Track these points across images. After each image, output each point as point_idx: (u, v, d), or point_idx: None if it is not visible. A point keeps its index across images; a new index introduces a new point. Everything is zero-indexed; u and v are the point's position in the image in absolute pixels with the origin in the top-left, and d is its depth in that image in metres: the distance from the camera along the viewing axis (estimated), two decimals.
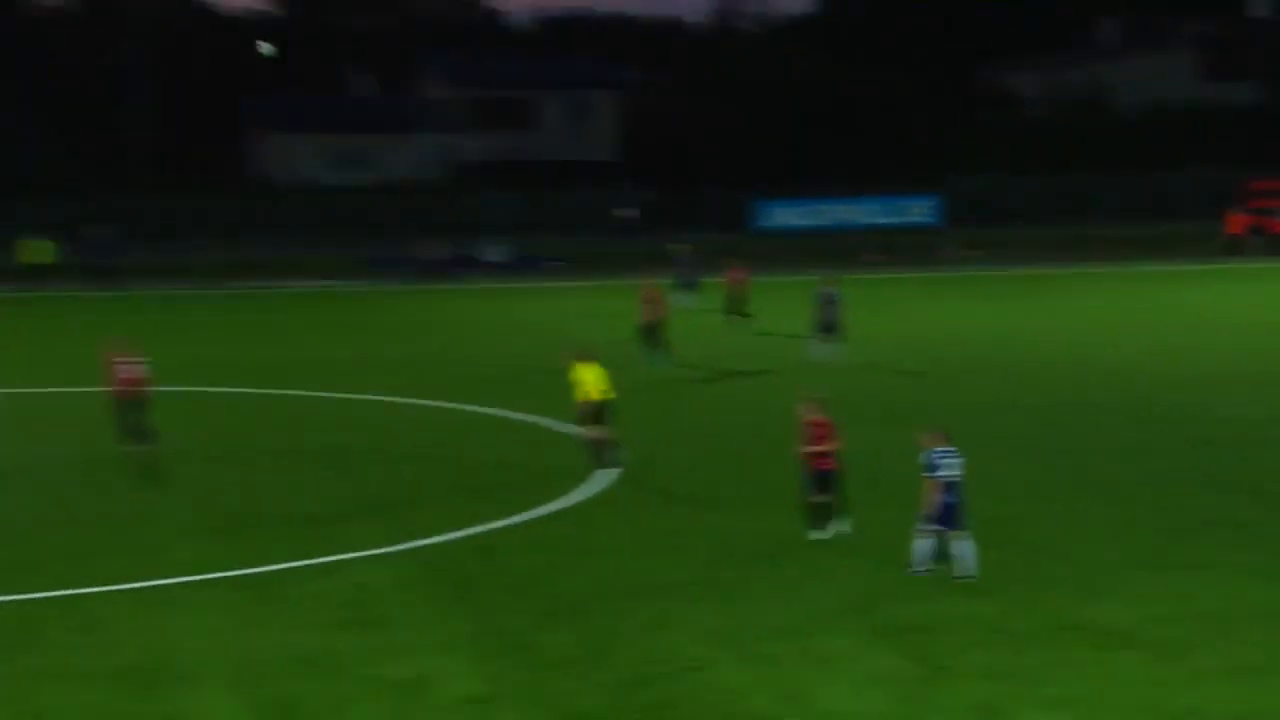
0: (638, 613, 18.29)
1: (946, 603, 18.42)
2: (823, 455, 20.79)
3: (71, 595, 18.88)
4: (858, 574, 19.67)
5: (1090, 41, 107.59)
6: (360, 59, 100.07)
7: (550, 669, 16.37)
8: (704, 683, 15.98)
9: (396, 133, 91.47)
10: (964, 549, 19.19)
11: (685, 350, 37.93)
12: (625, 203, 77.12)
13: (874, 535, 21.03)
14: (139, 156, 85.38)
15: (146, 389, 27.49)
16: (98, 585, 19.28)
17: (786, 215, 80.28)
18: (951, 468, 19.40)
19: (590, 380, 25.49)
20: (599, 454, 25.48)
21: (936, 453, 19.43)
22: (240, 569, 20.01)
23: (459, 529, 22.13)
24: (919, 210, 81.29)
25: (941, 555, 19.28)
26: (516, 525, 22.47)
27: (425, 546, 21.22)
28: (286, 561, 20.39)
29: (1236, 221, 65.39)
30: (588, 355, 25.88)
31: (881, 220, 79.43)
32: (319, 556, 20.62)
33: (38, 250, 57.47)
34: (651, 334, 37.61)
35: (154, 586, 19.30)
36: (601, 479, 25.30)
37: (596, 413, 25.44)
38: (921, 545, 19.43)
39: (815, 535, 20.90)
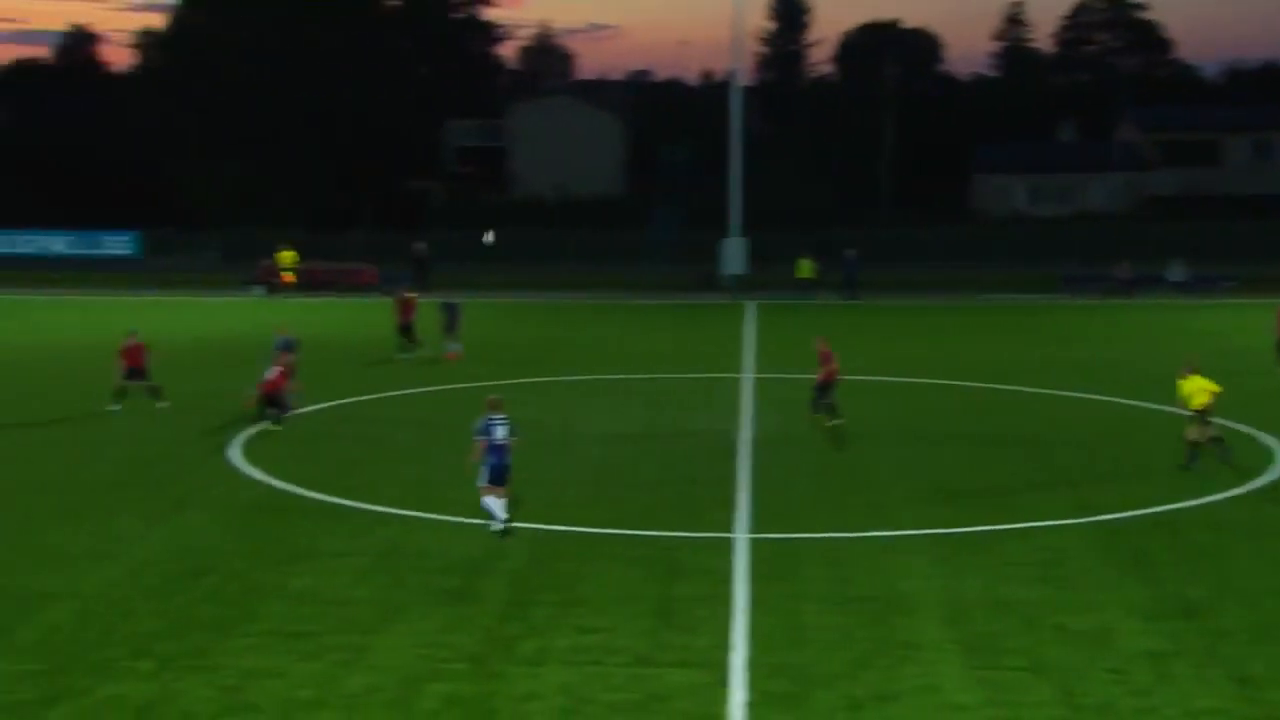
0: None
1: None
2: None
3: (822, 538, 19.75)
4: None
5: None
6: (1066, 109, 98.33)
7: (1224, 636, 15.48)
8: None
9: (1093, 171, 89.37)
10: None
11: None
12: None
13: None
14: (884, 195, 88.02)
15: (836, 374, 28.66)
16: (840, 531, 20.08)
17: None
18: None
19: (1193, 390, 23.97)
20: (1193, 455, 23.74)
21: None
22: (950, 528, 20.21)
23: (1139, 507, 21.27)
24: None
25: None
26: (1194, 507, 21.32)
27: (1108, 520, 20.57)
28: (987, 525, 20.38)
29: None
30: (1195, 368, 24.35)
31: None
32: (1014, 523, 20.47)
33: (805, 268, 60.17)
34: None
35: (883, 536, 19.83)
36: (1275, 472, 23.53)
37: (1200, 417, 23.76)
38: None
39: None
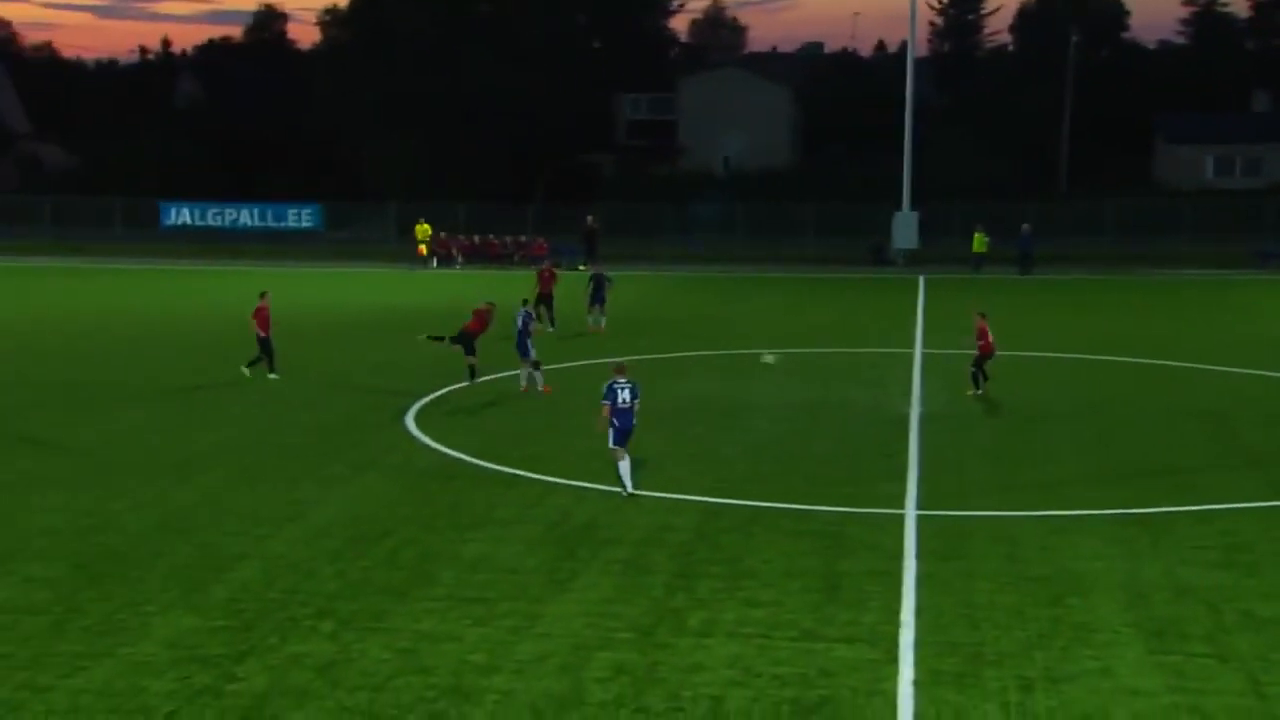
0: None
1: None
2: None
3: (994, 516, 19.41)
4: None
5: None
6: (1260, 78, 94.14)
7: None
8: None
9: None
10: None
11: None
12: None
13: None
14: (1063, 167, 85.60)
15: (991, 347, 28.73)
16: (1012, 510, 19.69)
17: None
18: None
19: None
20: None
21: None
22: (1127, 509, 19.65)
23: None
24: None
25: None
26: None
27: None
28: (1167, 506, 19.76)
29: None
30: None
31: None
32: (1196, 504, 19.80)
33: (979, 241, 59.02)
34: None
35: (1059, 516, 19.39)
36: None
37: None
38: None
39: None
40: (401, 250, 62.41)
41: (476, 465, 22.66)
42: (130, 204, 74.20)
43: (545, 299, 39.36)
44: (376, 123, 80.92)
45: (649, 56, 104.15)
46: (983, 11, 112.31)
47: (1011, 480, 21.58)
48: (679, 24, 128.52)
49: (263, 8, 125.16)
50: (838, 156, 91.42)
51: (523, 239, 63.86)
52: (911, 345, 35.98)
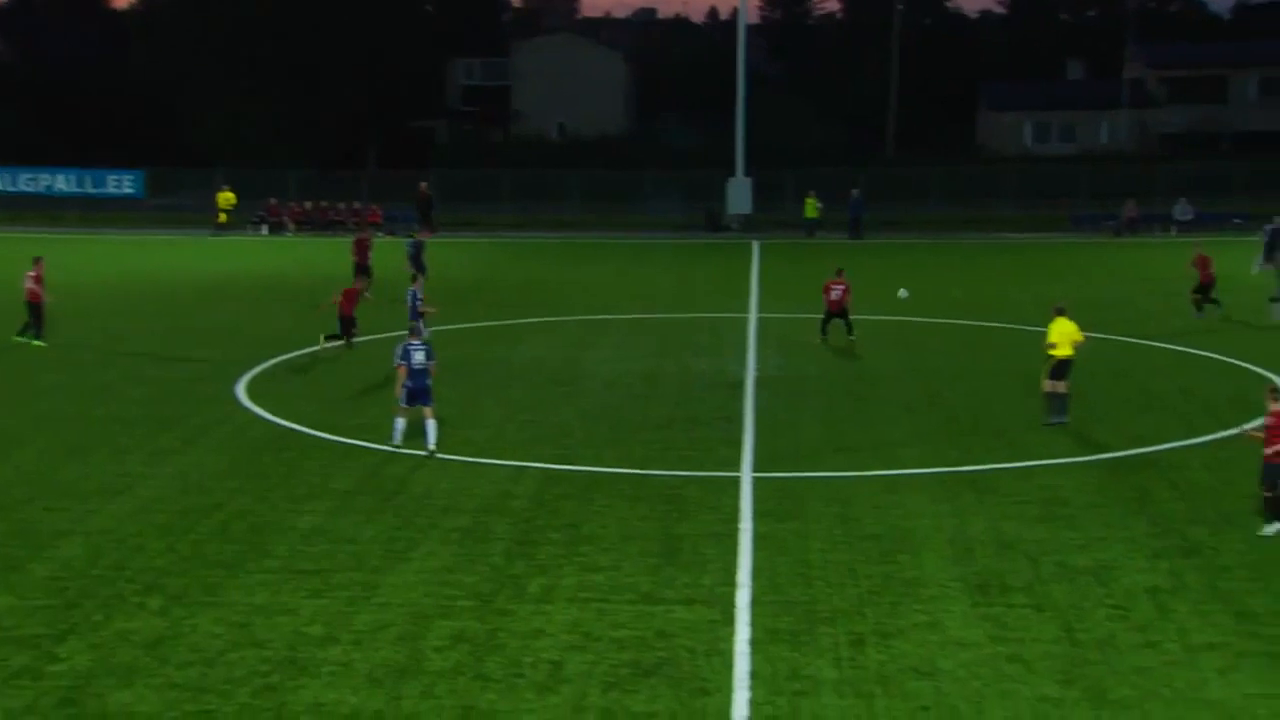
0: None
1: None
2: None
3: (827, 477, 19.81)
4: None
5: None
6: (1074, 47, 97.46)
7: (1223, 571, 15.58)
8: None
9: (1101, 109, 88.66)
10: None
11: None
12: None
13: None
14: (891, 134, 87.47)
15: (847, 301, 30.40)
16: (846, 470, 20.14)
17: None
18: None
19: (1060, 335, 22.66)
20: (1052, 407, 22.60)
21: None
22: (954, 467, 20.26)
23: (1141, 445, 21.32)
24: None
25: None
26: (1194, 446, 21.34)
27: (1110, 459, 20.62)
28: (991, 464, 20.44)
29: None
30: (1063, 310, 23.11)
31: None
32: (1018, 461, 20.53)
33: (811, 207, 59.95)
34: None
35: (890, 475, 19.89)
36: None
37: (1061, 367, 22.56)
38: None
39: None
40: (232, 217, 60.77)
41: (311, 435, 22.28)
42: None
43: (362, 268, 38.72)
44: (200, 86, 78.57)
45: (481, 21, 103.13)
46: None
47: (844, 441, 22.06)
48: None
49: None
50: (672, 123, 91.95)
51: (356, 206, 62.79)
52: (747, 310, 36.47)
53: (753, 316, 35.22)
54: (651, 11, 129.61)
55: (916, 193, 69.90)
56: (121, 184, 71.55)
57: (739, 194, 62.54)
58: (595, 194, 70.18)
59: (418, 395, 20.81)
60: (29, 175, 71.83)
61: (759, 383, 26.57)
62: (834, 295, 30.97)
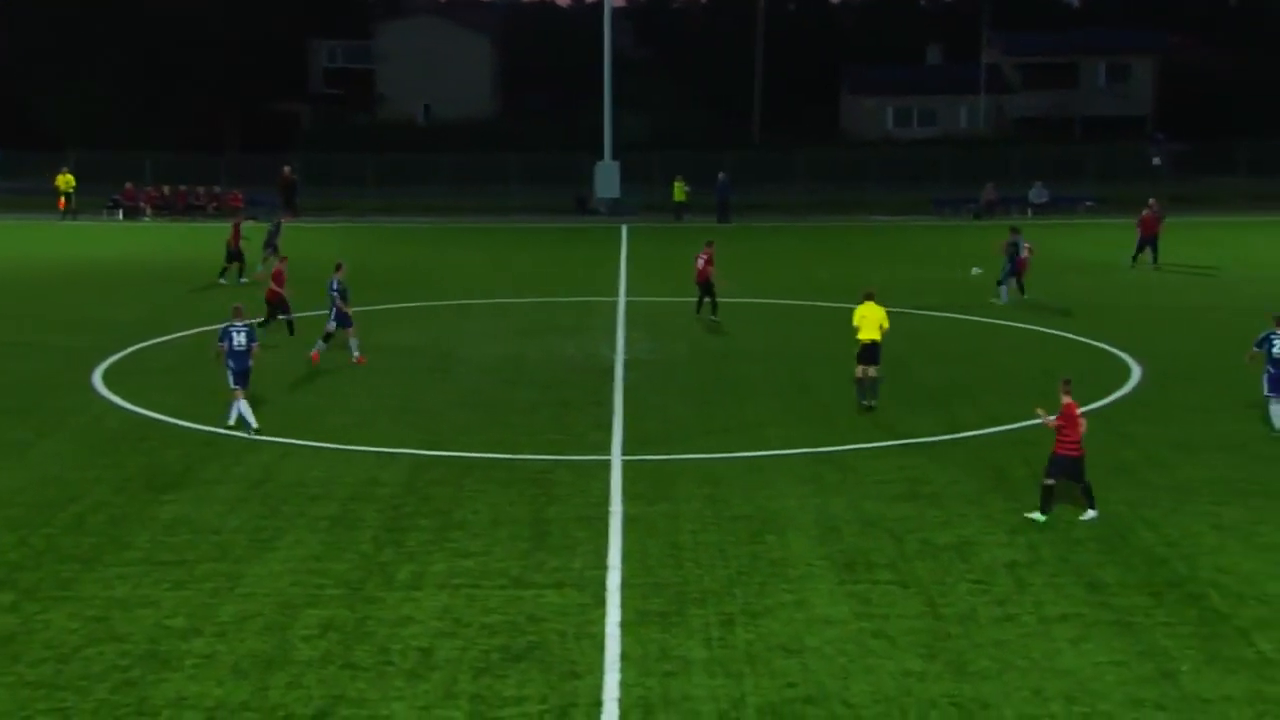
0: (1158, 502, 17.63)
1: None
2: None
3: (696, 459, 19.96)
4: None
5: None
6: (933, 33, 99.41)
7: (1076, 545, 16.07)
8: (1217, 565, 15.28)
9: (959, 94, 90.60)
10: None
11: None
12: (1157, 152, 72.86)
13: None
14: (757, 117, 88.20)
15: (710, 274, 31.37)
16: (714, 452, 20.31)
17: None
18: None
19: (869, 319, 22.71)
20: (862, 391, 22.78)
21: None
22: (820, 447, 20.56)
23: (1000, 424, 21.85)
24: None
25: None
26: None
27: (970, 437, 21.11)
28: (856, 443, 20.79)
29: None
30: (872, 295, 23.24)
31: None
32: (881, 441, 20.90)
33: (679, 190, 60.25)
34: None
35: (758, 456, 20.12)
36: (1127, 386, 24.35)
37: (868, 352, 22.64)
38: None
39: None
40: (83, 202, 58.92)
41: (172, 424, 21.77)
42: None
43: (235, 255, 38.02)
44: (49, 66, 76.02)
45: (343, 2, 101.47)
46: None
47: (713, 423, 22.24)
48: None
49: None
50: (540, 106, 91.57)
51: (216, 190, 61.39)
52: (616, 293, 36.54)
53: (621, 300, 35.30)
54: None
55: (782, 175, 70.71)
56: None
57: (607, 177, 62.59)
58: (462, 178, 69.66)
59: (239, 377, 21.16)
60: None
61: (628, 366, 26.65)
62: (699, 265, 31.92)
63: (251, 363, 21.28)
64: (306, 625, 13.61)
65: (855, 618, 13.86)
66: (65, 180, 58.23)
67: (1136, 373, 25.78)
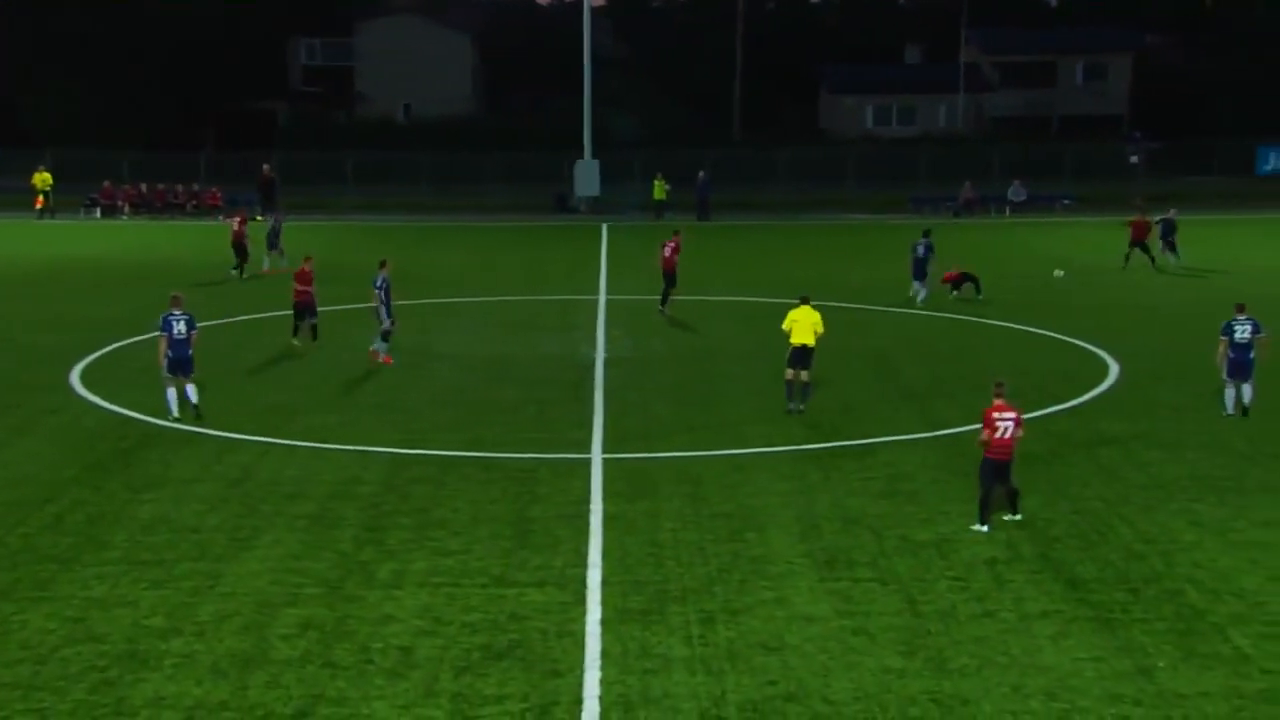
0: (1132, 498, 17.68)
1: None
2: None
3: (677, 457, 19.95)
4: None
5: None
6: (912, 31, 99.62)
7: (1055, 541, 16.11)
8: (1194, 561, 15.33)
9: (938, 93, 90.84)
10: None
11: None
12: (1134, 151, 73.20)
13: None
14: (737, 116, 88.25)
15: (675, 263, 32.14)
16: (695, 450, 20.30)
17: None
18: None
19: (801, 322, 22.44)
20: (791, 394, 22.54)
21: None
22: (801, 445, 20.58)
23: (978, 421, 21.80)
24: None
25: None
26: (1031, 419, 21.84)
27: (950, 434, 21.14)
28: (838, 441, 20.80)
29: None
30: (807, 299, 22.98)
31: None
32: (862, 438, 20.92)
33: (659, 189, 60.19)
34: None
35: (739, 454, 20.11)
36: (1105, 384, 24.43)
37: (799, 355, 22.40)
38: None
39: None
40: (61, 200, 58.58)
41: (150, 423, 21.65)
42: None
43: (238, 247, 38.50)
44: (27, 65, 75.57)
45: (322, 0, 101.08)
46: None
47: (694, 421, 22.22)
48: None
49: None
50: (520, 105, 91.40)
51: (195, 188, 61.11)
52: (596, 292, 36.50)
53: (602, 298, 35.27)
54: None
55: (763, 174, 70.75)
56: None
57: (587, 176, 62.51)
58: (443, 177, 69.52)
59: (179, 365, 21.29)
60: None
61: (609, 364, 26.62)
62: (665, 253, 32.39)
63: (191, 351, 21.45)
64: (286, 624, 13.56)
65: (836, 615, 13.86)
66: (42, 178, 57.88)
67: (1115, 370, 25.87)
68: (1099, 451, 20.06)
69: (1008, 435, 16.52)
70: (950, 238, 52.03)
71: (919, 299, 34.13)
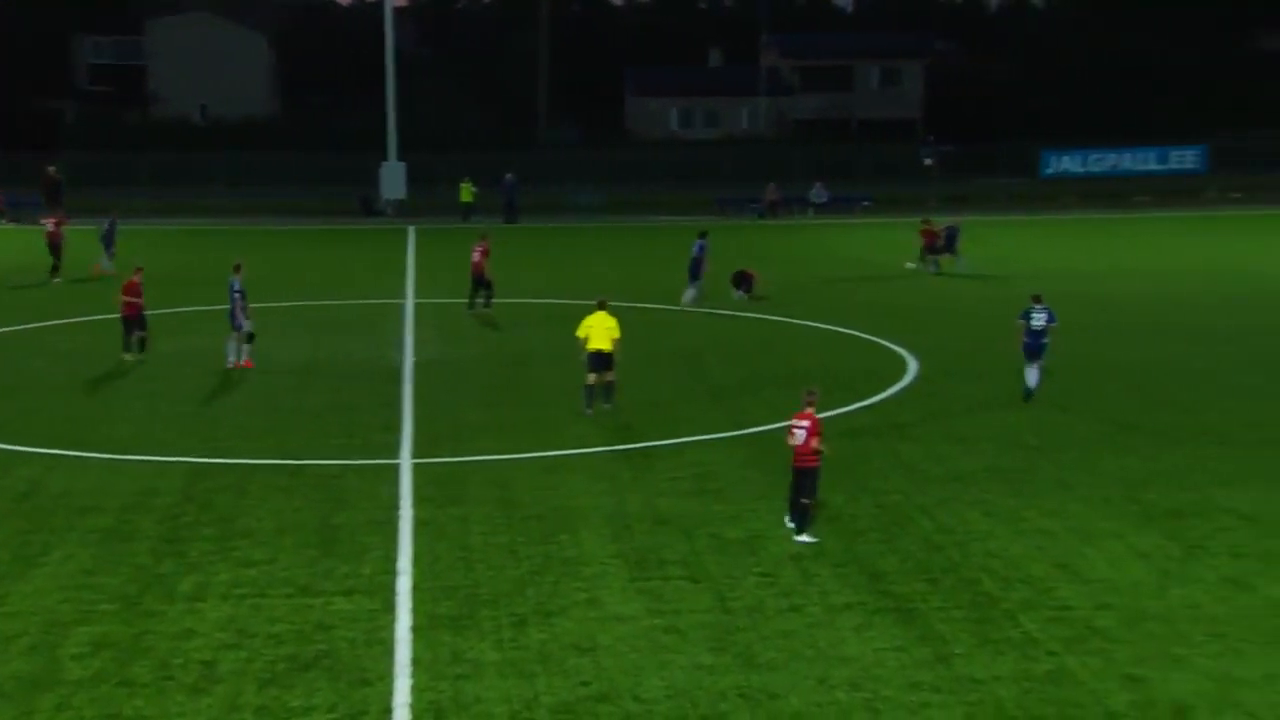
0: (930, 491, 18.26)
1: (1205, 493, 17.85)
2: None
3: (488, 460, 19.85)
4: (1129, 465, 19.20)
5: None
6: (714, 35, 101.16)
7: (858, 535, 16.54)
8: (987, 550, 15.92)
9: (741, 96, 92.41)
10: None
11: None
12: (928, 154, 75.71)
13: (1144, 434, 20.38)
14: (543, 118, 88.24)
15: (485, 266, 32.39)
16: (506, 453, 20.23)
17: (1069, 163, 76.60)
18: None
19: (597, 328, 22.43)
20: (590, 398, 22.55)
21: None
22: (611, 445, 20.69)
23: (785, 420, 22.25)
24: (1185, 159, 76.20)
25: None
26: (832, 417, 22.45)
27: (758, 433, 21.52)
28: (648, 440, 20.98)
29: None
30: (604, 304, 23.02)
31: (1152, 167, 75.28)
32: (671, 438, 21.14)
33: (466, 191, 59.74)
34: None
35: (550, 456, 20.12)
36: (905, 381, 25.19)
37: (597, 360, 22.40)
38: None
39: None
40: None
41: None
42: None
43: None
44: None
45: None
46: None
47: (505, 423, 22.14)
48: None
49: None
50: (321, 106, 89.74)
51: None
52: (403, 295, 36.07)
53: (409, 302, 34.88)
54: None
55: (570, 176, 70.88)
56: None
57: (392, 178, 61.69)
58: (241, 178, 67.74)
59: None
60: None
61: (417, 367, 26.34)
62: (474, 258, 32.68)
63: None
64: (78, 643, 13.04)
65: (647, 614, 13.98)
66: None
67: (913, 367, 26.69)
68: (899, 446, 20.68)
69: (799, 443, 16.42)
70: (755, 238, 53.05)
71: (686, 298, 34.57)
